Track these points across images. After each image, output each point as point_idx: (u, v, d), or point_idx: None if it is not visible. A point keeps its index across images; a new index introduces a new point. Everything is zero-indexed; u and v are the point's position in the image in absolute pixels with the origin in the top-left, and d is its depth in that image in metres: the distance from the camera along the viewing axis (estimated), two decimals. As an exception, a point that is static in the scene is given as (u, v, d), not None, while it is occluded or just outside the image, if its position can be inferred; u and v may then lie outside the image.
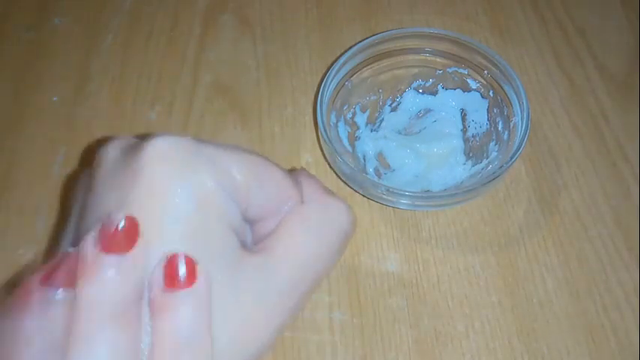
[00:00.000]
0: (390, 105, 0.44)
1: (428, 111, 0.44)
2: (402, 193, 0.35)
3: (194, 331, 0.17)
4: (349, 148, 0.41)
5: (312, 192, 0.23)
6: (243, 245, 0.20)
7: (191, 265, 0.18)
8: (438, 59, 0.42)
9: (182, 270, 0.18)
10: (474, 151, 0.42)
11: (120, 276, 0.17)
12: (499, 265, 0.38)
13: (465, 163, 0.41)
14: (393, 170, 0.42)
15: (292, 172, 0.23)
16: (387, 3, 0.51)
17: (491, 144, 0.40)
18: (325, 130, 0.37)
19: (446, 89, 0.43)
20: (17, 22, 0.51)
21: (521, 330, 0.35)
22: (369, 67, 0.42)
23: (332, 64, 0.40)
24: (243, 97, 0.46)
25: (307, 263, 0.21)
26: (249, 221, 0.22)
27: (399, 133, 0.43)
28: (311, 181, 0.24)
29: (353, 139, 0.42)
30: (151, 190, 0.18)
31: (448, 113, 0.43)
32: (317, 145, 0.43)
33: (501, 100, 0.40)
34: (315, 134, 0.44)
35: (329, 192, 0.23)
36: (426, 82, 0.43)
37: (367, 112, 0.43)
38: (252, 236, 0.22)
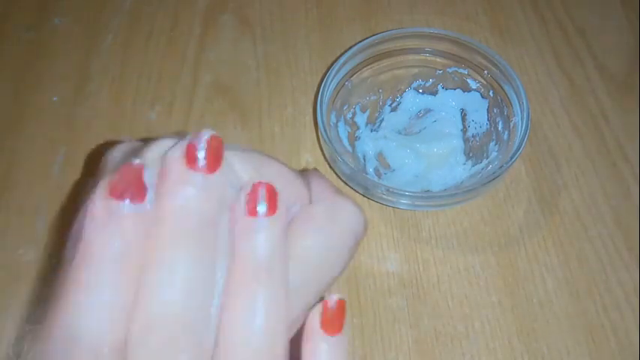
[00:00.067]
0: (390, 105, 0.44)
1: (428, 111, 0.44)
2: (402, 193, 0.35)
3: (273, 257, 0.18)
4: (349, 148, 0.41)
5: (322, 192, 0.23)
6: None
7: (273, 194, 0.18)
8: (438, 59, 0.42)
9: (265, 197, 0.18)
10: (474, 151, 0.42)
11: (204, 194, 0.17)
12: (499, 265, 0.38)
13: (465, 163, 0.41)
14: (393, 170, 0.42)
15: (304, 172, 0.23)
16: (387, 3, 0.51)
17: (491, 144, 0.40)
18: (325, 130, 0.37)
19: (446, 89, 0.43)
20: (17, 22, 0.51)
21: (521, 330, 0.35)
22: (369, 67, 0.42)
23: (332, 64, 0.40)
24: (243, 97, 0.46)
25: (316, 264, 0.20)
26: None
27: (399, 133, 0.43)
28: (321, 181, 0.23)
29: (353, 139, 0.42)
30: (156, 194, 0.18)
31: (448, 113, 0.43)
32: (317, 145, 0.43)
33: (501, 100, 0.40)
34: (315, 134, 0.44)
35: (339, 192, 0.23)
36: (426, 82, 0.43)
37: (367, 112, 0.43)
38: None
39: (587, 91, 0.46)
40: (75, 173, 0.42)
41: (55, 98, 0.46)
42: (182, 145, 0.18)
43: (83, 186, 0.20)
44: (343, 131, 0.41)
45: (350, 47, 0.40)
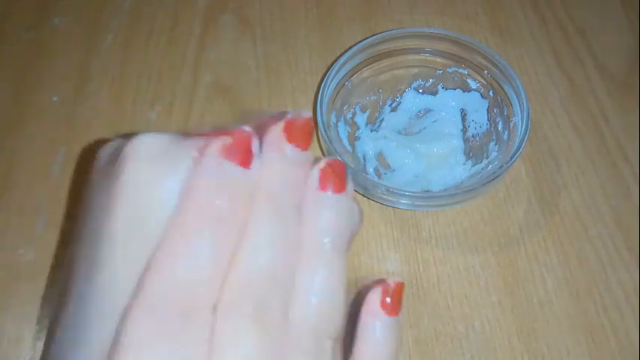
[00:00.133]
0: (390, 105, 0.44)
1: (428, 111, 0.44)
2: (402, 193, 0.35)
3: (337, 231, 0.20)
4: (349, 148, 0.41)
5: None
6: None
7: (344, 172, 0.20)
8: (438, 59, 0.42)
9: (334, 176, 0.20)
10: (474, 151, 0.42)
11: (299, 167, 0.19)
12: (499, 265, 0.38)
13: (465, 163, 0.41)
14: (393, 170, 0.42)
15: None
16: (387, 3, 0.51)
17: (491, 144, 0.40)
18: (325, 130, 0.37)
19: (446, 89, 0.43)
20: (17, 22, 0.51)
21: (521, 330, 0.35)
22: (369, 67, 0.42)
23: (332, 64, 0.40)
24: (243, 97, 0.46)
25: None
26: None
27: (399, 133, 0.43)
28: None
29: (353, 139, 0.42)
30: (127, 190, 0.18)
31: (448, 113, 0.43)
32: (317, 145, 0.43)
33: (501, 100, 0.40)
34: (315, 134, 0.44)
35: None
36: (426, 82, 0.43)
37: (367, 112, 0.43)
38: None
39: (587, 91, 0.46)
40: (75, 173, 0.42)
41: (55, 98, 0.46)
42: (283, 121, 0.19)
43: (82, 183, 0.20)
44: (343, 131, 0.41)
45: (350, 47, 0.40)
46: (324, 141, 0.37)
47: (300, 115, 0.20)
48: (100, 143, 0.22)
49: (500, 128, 0.40)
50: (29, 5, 0.52)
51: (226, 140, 0.18)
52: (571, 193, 0.41)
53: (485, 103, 0.42)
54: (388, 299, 0.22)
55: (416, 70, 0.43)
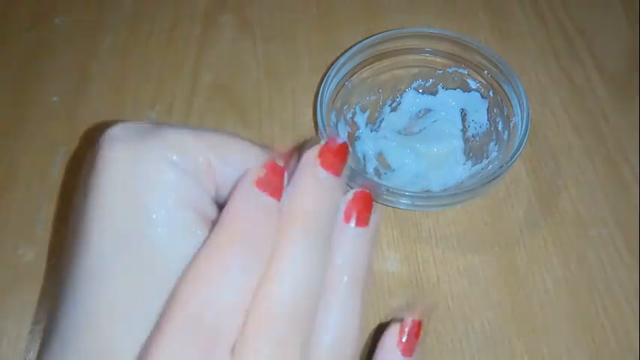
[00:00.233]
0: (390, 105, 0.44)
1: (428, 111, 0.44)
2: (402, 193, 0.35)
3: (356, 267, 0.19)
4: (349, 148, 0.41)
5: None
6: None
7: (369, 206, 0.20)
8: (438, 59, 0.42)
9: (360, 208, 0.20)
10: (474, 151, 0.42)
11: (330, 197, 0.19)
12: (499, 265, 0.38)
13: (465, 163, 0.41)
14: (393, 170, 0.42)
15: (266, 147, 0.23)
16: (387, 3, 0.51)
17: (491, 144, 0.40)
18: (325, 130, 0.37)
19: (446, 89, 0.43)
20: (17, 22, 0.51)
21: (521, 330, 0.35)
22: (369, 67, 0.42)
23: (332, 64, 0.40)
24: (243, 97, 0.46)
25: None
26: None
27: (399, 133, 0.43)
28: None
29: (353, 139, 0.42)
30: (102, 175, 0.19)
31: (448, 113, 0.43)
32: (317, 145, 0.43)
33: (501, 100, 0.40)
34: (315, 134, 0.44)
35: None
36: (426, 82, 0.43)
37: (367, 112, 0.43)
38: None
39: (587, 91, 0.46)
40: (75, 173, 0.42)
41: (55, 98, 0.46)
42: (319, 146, 0.20)
43: (83, 160, 0.20)
44: (343, 131, 0.41)
45: (350, 47, 0.40)
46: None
47: (335, 140, 0.20)
48: (103, 124, 0.22)
49: (500, 128, 0.40)
50: (29, 5, 0.52)
51: (260, 172, 0.18)
52: (571, 193, 0.41)
53: (485, 103, 0.42)
54: (405, 338, 0.22)
55: (416, 70, 0.43)
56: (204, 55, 0.48)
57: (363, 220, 0.20)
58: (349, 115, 0.42)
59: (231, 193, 0.19)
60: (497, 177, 0.35)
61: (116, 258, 0.18)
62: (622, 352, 0.35)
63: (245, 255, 0.17)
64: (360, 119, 0.43)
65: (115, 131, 0.19)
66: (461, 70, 0.42)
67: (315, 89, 0.46)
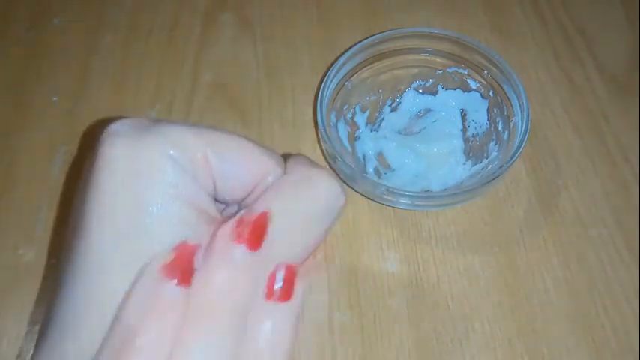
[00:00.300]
0: (390, 105, 0.44)
1: (428, 111, 0.44)
2: (402, 193, 0.35)
3: (279, 346, 0.18)
4: (349, 148, 0.41)
5: (296, 164, 0.22)
6: (213, 223, 0.20)
7: (290, 280, 0.18)
8: (438, 59, 0.42)
9: (279, 285, 0.18)
10: (474, 151, 0.42)
11: (245, 274, 0.18)
12: (499, 265, 0.38)
13: (465, 163, 0.41)
14: (393, 170, 0.42)
15: (269, 149, 0.23)
16: (387, 2, 0.51)
17: (491, 144, 0.40)
18: (325, 130, 0.37)
19: (446, 89, 0.43)
20: (17, 22, 0.51)
21: (521, 330, 0.35)
22: (369, 67, 0.42)
23: (332, 64, 0.40)
24: (243, 97, 0.46)
25: (279, 233, 0.20)
26: (233, 201, 0.21)
27: (399, 133, 0.43)
28: (298, 157, 0.23)
29: (353, 139, 0.42)
30: (102, 172, 0.19)
31: (448, 113, 0.43)
32: (317, 145, 0.43)
33: (501, 100, 0.40)
34: (315, 134, 0.44)
35: (316, 165, 0.22)
36: (426, 82, 0.43)
37: (367, 112, 0.43)
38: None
39: (587, 91, 0.46)
40: (75, 173, 0.42)
41: (55, 98, 0.46)
42: (233, 221, 0.18)
43: (84, 160, 0.21)
44: (343, 131, 0.41)
45: (350, 47, 0.40)
46: (324, 141, 0.37)
47: (252, 213, 0.18)
48: (103, 122, 0.22)
49: (500, 128, 0.40)
50: (29, 5, 0.52)
51: (167, 257, 0.17)
52: (571, 193, 0.41)
53: (485, 103, 0.42)
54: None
55: (416, 70, 0.43)
56: (204, 55, 0.48)
57: (286, 295, 0.18)
58: (349, 115, 0.42)
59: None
60: (497, 177, 0.35)
61: (116, 253, 0.18)
62: (622, 352, 0.35)
63: (145, 356, 0.16)
64: (360, 119, 0.43)
65: (114, 128, 0.20)
66: (461, 70, 0.42)
67: (315, 89, 0.46)
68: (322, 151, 0.41)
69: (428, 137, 0.42)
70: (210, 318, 0.17)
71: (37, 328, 0.36)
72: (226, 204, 0.22)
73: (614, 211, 0.40)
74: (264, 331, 0.18)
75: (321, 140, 0.39)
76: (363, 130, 0.43)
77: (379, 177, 0.41)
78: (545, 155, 0.42)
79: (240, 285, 0.18)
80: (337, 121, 0.41)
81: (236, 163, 0.20)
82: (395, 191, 0.35)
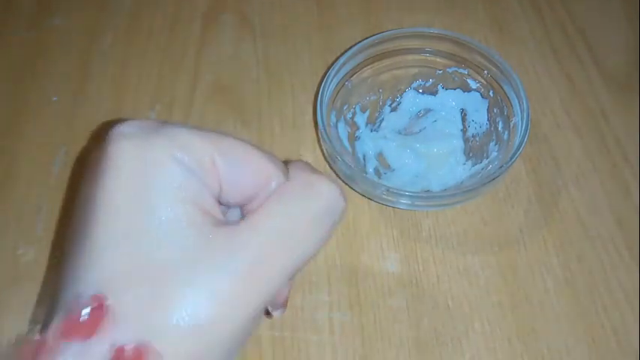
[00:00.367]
0: (390, 105, 0.44)
1: (428, 111, 0.44)
2: (402, 193, 0.35)
3: None
4: (349, 148, 0.41)
5: (299, 170, 0.22)
6: (218, 224, 0.20)
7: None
8: (438, 59, 0.42)
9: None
10: (474, 151, 0.42)
11: None
12: (499, 265, 0.38)
13: (465, 163, 0.41)
14: (393, 170, 0.42)
15: (272, 154, 0.23)
16: (387, 3, 0.51)
17: (491, 144, 0.40)
18: (325, 130, 0.37)
19: (446, 89, 0.43)
20: (17, 22, 0.51)
21: (521, 330, 0.35)
22: (369, 67, 0.42)
23: (332, 64, 0.40)
24: (243, 97, 0.46)
25: (285, 237, 0.20)
26: (234, 204, 0.22)
27: (399, 133, 0.43)
28: (300, 163, 0.23)
29: (353, 139, 0.42)
30: (109, 172, 0.19)
31: (448, 113, 0.43)
32: (317, 145, 0.43)
33: (501, 100, 0.40)
34: (315, 134, 0.44)
35: (317, 171, 0.23)
36: (426, 82, 0.43)
37: (367, 112, 0.43)
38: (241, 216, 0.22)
39: (587, 91, 0.46)
40: (75, 173, 0.42)
41: (55, 98, 0.46)
42: (61, 316, 0.17)
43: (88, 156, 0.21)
44: (343, 131, 0.41)
45: (350, 47, 0.40)
46: (324, 141, 0.37)
47: (81, 303, 0.18)
48: (109, 123, 0.22)
49: (500, 128, 0.40)
50: (29, 5, 0.52)
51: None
52: (571, 193, 0.41)
53: (485, 103, 0.42)
54: None
55: (416, 70, 0.43)
56: (204, 55, 0.48)
57: None
58: (349, 115, 0.42)
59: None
60: (497, 177, 0.35)
61: (116, 252, 0.18)
62: (622, 352, 0.35)
63: None
64: (360, 119, 0.43)
65: (122, 128, 0.20)
66: (461, 70, 0.42)
67: (315, 89, 0.46)
68: (322, 151, 0.41)
69: (428, 137, 0.42)
70: None
71: (38, 328, 0.36)
72: (228, 206, 0.23)
73: (614, 211, 0.40)
74: None
75: (321, 140, 0.39)
76: (363, 130, 0.43)
77: (379, 177, 0.41)
78: (545, 155, 0.42)
79: None
80: (337, 121, 0.41)
81: (242, 167, 0.21)
82: (395, 191, 0.35)
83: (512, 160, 0.36)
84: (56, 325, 0.18)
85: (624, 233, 0.39)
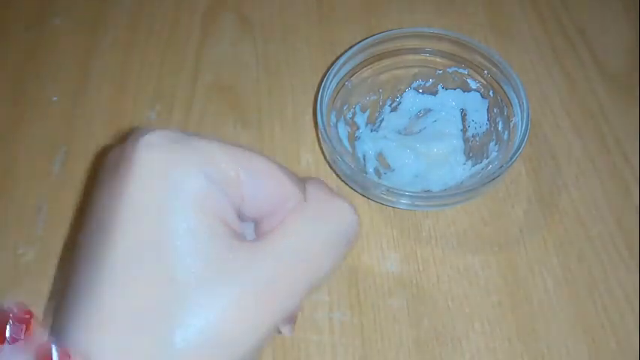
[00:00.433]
0: (390, 105, 0.44)
1: (428, 111, 0.44)
2: (402, 193, 0.35)
3: None
4: (349, 148, 0.41)
5: (316, 190, 0.23)
6: (238, 238, 0.20)
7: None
8: (438, 59, 0.42)
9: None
10: (474, 151, 0.42)
11: None
12: (499, 265, 0.38)
13: (465, 163, 0.41)
14: (393, 170, 0.42)
15: (304, 179, 0.23)
16: (387, 3, 0.51)
17: (491, 144, 0.40)
18: (325, 130, 0.37)
19: (446, 89, 0.43)
20: (17, 22, 0.51)
21: (521, 330, 0.35)
22: (369, 67, 0.42)
23: (332, 64, 0.40)
24: (243, 97, 0.46)
25: (302, 257, 0.20)
26: (250, 218, 0.22)
27: (399, 133, 0.43)
28: (317, 182, 0.24)
29: (353, 139, 0.42)
30: (135, 181, 0.19)
31: (448, 113, 0.43)
32: (317, 145, 0.43)
33: (501, 100, 0.40)
34: (315, 134, 0.44)
35: (334, 192, 0.23)
36: (426, 82, 0.43)
37: (367, 112, 0.43)
38: (255, 235, 0.22)
39: (587, 91, 0.46)
40: (75, 173, 0.42)
41: (55, 98, 0.46)
42: None
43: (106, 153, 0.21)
44: (343, 131, 0.41)
45: (350, 47, 0.40)
46: (324, 141, 0.37)
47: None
48: (106, 149, 0.22)
49: (500, 128, 0.40)
50: (29, 5, 0.52)
51: None
52: (571, 193, 0.41)
53: (485, 103, 0.42)
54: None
55: (416, 70, 0.43)
56: (204, 55, 0.48)
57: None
58: (349, 115, 0.42)
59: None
60: (497, 177, 0.35)
61: (141, 265, 0.18)
62: (622, 352, 0.35)
63: None
64: (360, 119, 0.43)
65: (149, 139, 0.20)
66: (461, 70, 0.42)
67: (315, 89, 0.46)
68: (322, 151, 0.41)
69: (428, 137, 0.42)
70: None
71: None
72: (242, 220, 0.23)
73: (614, 211, 0.40)
74: None
75: (321, 140, 0.39)
76: (363, 130, 0.43)
77: (379, 177, 0.41)
78: (545, 155, 0.42)
79: None
80: (337, 121, 0.41)
81: (264, 183, 0.21)
82: (395, 191, 0.35)
83: (512, 160, 0.36)
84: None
85: (624, 233, 0.39)
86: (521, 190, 0.41)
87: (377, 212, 0.40)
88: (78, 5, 0.52)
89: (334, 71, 0.39)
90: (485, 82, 0.41)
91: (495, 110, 0.41)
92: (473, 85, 0.42)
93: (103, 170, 0.21)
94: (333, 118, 0.40)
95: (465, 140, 0.42)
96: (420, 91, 0.44)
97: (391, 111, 0.44)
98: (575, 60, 0.47)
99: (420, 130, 0.43)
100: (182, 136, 0.20)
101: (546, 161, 0.42)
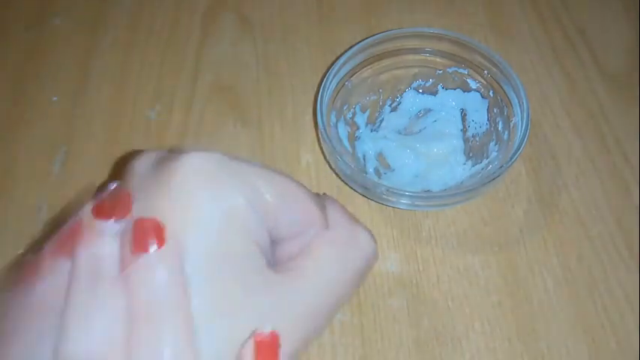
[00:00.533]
0: (390, 105, 0.44)
1: (428, 111, 0.44)
2: (402, 193, 0.35)
3: (165, 293, 0.18)
4: (349, 148, 0.41)
5: (339, 217, 0.23)
6: (269, 264, 0.20)
7: (159, 229, 0.18)
8: (438, 59, 0.42)
9: (149, 234, 0.18)
10: (474, 151, 0.42)
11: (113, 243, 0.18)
12: (499, 265, 0.38)
13: (465, 163, 0.41)
14: (393, 170, 0.42)
15: (316, 196, 0.24)
16: (387, 3, 0.51)
17: (491, 144, 0.40)
18: (325, 130, 0.37)
19: (446, 89, 0.43)
20: (17, 22, 0.51)
21: (521, 330, 0.35)
22: (369, 67, 0.42)
23: (332, 64, 0.40)
24: (243, 97, 0.46)
25: (332, 286, 0.21)
26: (273, 241, 0.22)
27: (399, 133, 0.43)
28: (337, 206, 0.24)
29: (353, 139, 0.42)
30: (179, 201, 0.19)
31: (448, 113, 0.43)
32: (317, 145, 0.43)
33: (501, 100, 0.40)
34: (315, 134, 0.44)
35: (354, 218, 0.24)
36: (426, 82, 0.43)
37: (367, 112, 0.43)
38: (273, 256, 0.22)
39: (587, 91, 0.46)
40: (75, 173, 0.42)
41: (55, 98, 0.46)
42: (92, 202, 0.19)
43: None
44: (343, 131, 0.41)
45: (350, 47, 0.40)
46: (324, 141, 0.37)
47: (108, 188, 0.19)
48: (132, 154, 0.22)
49: (500, 128, 0.40)
50: (29, 5, 0.52)
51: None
52: (571, 193, 0.41)
53: (485, 103, 0.42)
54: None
55: (416, 70, 0.43)
56: (204, 55, 0.48)
57: (143, 247, 0.18)
58: (349, 115, 0.42)
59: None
60: (497, 177, 0.35)
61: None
62: (622, 352, 0.35)
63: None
64: (360, 119, 0.43)
65: (196, 162, 0.20)
66: (461, 70, 0.42)
67: (315, 89, 0.46)
68: (322, 151, 0.41)
69: (428, 137, 0.42)
70: (89, 283, 0.18)
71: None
72: None
73: (614, 211, 0.40)
74: (150, 280, 0.18)
75: (321, 140, 0.39)
76: (363, 130, 0.43)
77: (379, 177, 0.41)
78: (545, 155, 0.42)
79: (109, 252, 0.18)
80: (337, 121, 0.41)
81: (294, 208, 0.22)
82: (395, 191, 0.35)
83: (512, 160, 0.36)
84: (89, 206, 0.19)
85: (624, 233, 0.39)
86: (521, 190, 0.41)
87: (377, 212, 0.40)
88: (78, 5, 0.52)
89: (334, 71, 0.39)
90: (485, 82, 0.41)
91: (495, 110, 0.41)
92: (473, 85, 0.42)
93: (129, 179, 0.21)
94: (333, 118, 0.40)
95: (465, 140, 0.42)
96: (420, 91, 0.44)
97: (391, 111, 0.44)
98: (575, 60, 0.47)
99: (420, 130, 0.43)
100: (225, 159, 0.20)
101: (546, 161, 0.42)
